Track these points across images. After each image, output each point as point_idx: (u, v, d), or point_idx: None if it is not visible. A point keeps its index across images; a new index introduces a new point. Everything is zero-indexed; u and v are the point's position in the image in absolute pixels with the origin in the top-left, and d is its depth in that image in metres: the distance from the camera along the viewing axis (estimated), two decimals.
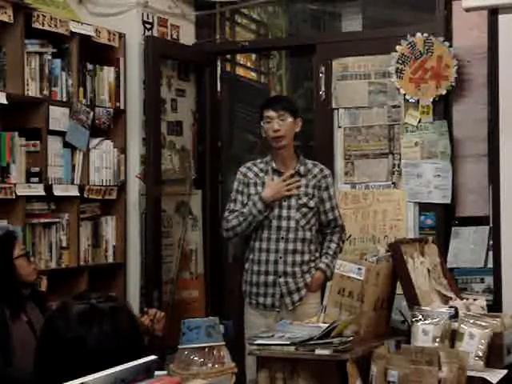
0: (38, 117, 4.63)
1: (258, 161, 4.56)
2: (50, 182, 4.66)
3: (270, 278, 4.39)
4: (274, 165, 4.46)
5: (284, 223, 4.38)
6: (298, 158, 4.49)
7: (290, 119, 4.41)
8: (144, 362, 1.52)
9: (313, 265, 4.43)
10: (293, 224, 4.38)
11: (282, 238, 4.38)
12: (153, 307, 4.18)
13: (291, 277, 4.37)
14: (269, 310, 4.39)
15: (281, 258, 4.38)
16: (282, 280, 4.37)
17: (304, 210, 4.40)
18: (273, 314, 4.38)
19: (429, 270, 3.79)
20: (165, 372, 1.70)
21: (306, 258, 4.40)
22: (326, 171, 4.54)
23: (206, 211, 5.75)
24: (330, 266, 4.34)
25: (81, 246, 4.89)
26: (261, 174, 4.48)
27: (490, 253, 4.76)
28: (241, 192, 4.50)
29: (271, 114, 4.41)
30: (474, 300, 3.79)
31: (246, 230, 4.45)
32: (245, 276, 4.51)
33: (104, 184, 5.06)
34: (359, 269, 3.46)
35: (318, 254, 4.46)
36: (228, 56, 6.32)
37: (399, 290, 3.70)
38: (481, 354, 3.28)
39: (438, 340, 3.30)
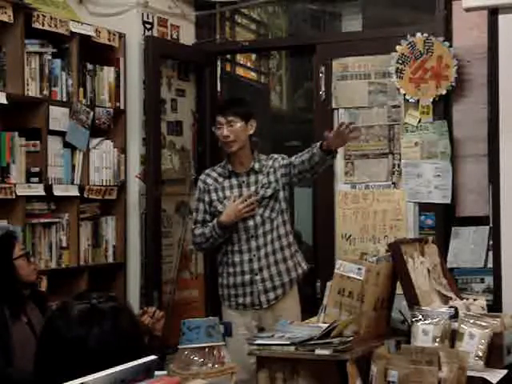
0: (37, 117, 4.63)
1: (217, 166, 4.59)
2: (49, 182, 4.66)
3: (247, 277, 4.41)
4: (229, 167, 4.48)
5: (250, 222, 4.40)
6: (253, 155, 4.50)
7: (239, 124, 4.42)
8: (144, 362, 1.52)
9: (288, 253, 4.41)
10: (258, 220, 4.41)
11: (252, 236, 4.41)
12: (152, 307, 4.18)
13: (267, 270, 4.39)
14: (248, 310, 4.41)
15: (254, 255, 4.41)
16: (258, 277, 4.40)
17: (264, 202, 4.42)
18: (250, 313, 4.40)
19: (429, 270, 3.79)
20: (165, 372, 1.70)
21: (277, 245, 4.42)
22: (276, 155, 4.52)
23: None
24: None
25: (81, 245, 4.90)
26: (220, 179, 4.51)
27: (490, 253, 4.76)
28: (202, 200, 4.52)
29: (220, 119, 4.44)
30: (474, 300, 3.79)
31: (211, 246, 4.52)
32: (220, 280, 4.52)
33: (104, 184, 5.06)
34: (359, 269, 3.46)
35: (287, 239, 4.45)
36: (228, 56, 6.32)
37: (399, 290, 3.70)
38: (481, 354, 3.28)
39: (438, 340, 3.30)
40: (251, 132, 4.48)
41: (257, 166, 4.46)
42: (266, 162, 4.50)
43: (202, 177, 4.58)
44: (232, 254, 4.44)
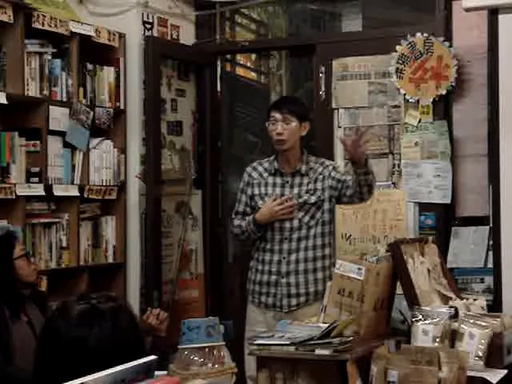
0: (38, 117, 4.63)
1: (264, 160, 4.54)
2: (49, 182, 4.66)
3: (273, 278, 4.38)
4: (276, 165, 4.44)
5: (287, 224, 4.36)
6: (302, 157, 4.44)
7: (294, 123, 4.35)
8: (144, 362, 1.52)
9: (319, 265, 4.38)
10: (296, 223, 4.36)
11: (286, 238, 4.37)
12: (154, 307, 4.20)
13: (294, 276, 4.35)
14: (270, 310, 4.39)
15: (284, 258, 4.37)
16: (284, 281, 4.37)
17: (305, 207, 4.37)
18: (272, 313, 4.38)
19: (429, 270, 3.79)
20: (165, 372, 1.71)
21: (310, 254, 4.36)
22: (327, 162, 4.47)
23: (206, 211, 5.75)
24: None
25: (81, 245, 4.90)
26: (265, 174, 4.46)
27: (490, 253, 4.76)
28: (245, 192, 4.50)
29: (277, 115, 4.36)
30: (474, 300, 3.79)
31: (247, 240, 4.52)
32: (249, 274, 4.51)
33: (104, 184, 5.06)
34: (359, 269, 3.46)
35: (323, 251, 4.41)
36: (228, 56, 6.32)
37: (399, 290, 3.70)
38: (481, 354, 3.28)
39: (438, 340, 3.30)
40: (303, 134, 4.41)
41: (304, 168, 4.40)
42: (315, 165, 4.43)
43: (249, 169, 4.53)
44: (263, 252, 4.40)
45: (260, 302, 4.42)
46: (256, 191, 4.45)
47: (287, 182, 4.41)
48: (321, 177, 4.40)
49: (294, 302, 4.36)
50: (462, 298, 3.83)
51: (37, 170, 4.60)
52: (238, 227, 4.46)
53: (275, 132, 4.35)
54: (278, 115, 4.36)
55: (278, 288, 4.37)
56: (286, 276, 4.36)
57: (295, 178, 4.41)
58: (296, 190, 4.39)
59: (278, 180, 4.43)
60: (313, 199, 4.36)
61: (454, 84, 5.05)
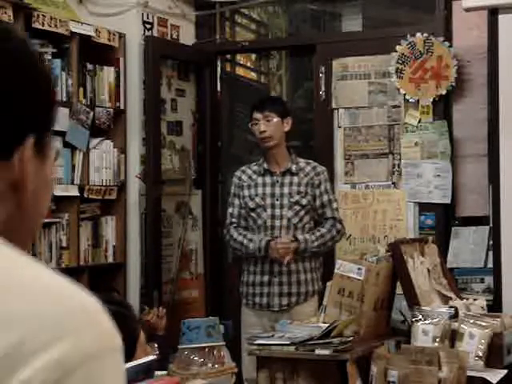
0: None
1: (253, 164, 4.61)
2: None
3: (266, 278, 4.41)
4: (265, 165, 4.48)
5: (277, 222, 4.40)
6: (291, 156, 4.51)
7: (275, 119, 4.43)
8: (144, 362, 1.52)
9: (308, 266, 4.41)
10: (285, 222, 4.40)
11: (276, 236, 4.39)
12: (152, 307, 4.21)
13: (287, 276, 4.38)
14: (264, 310, 4.41)
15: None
16: (276, 279, 4.39)
17: (296, 207, 4.41)
18: (267, 314, 4.39)
19: (429, 270, 3.79)
20: (165, 372, 1.70)
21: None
22: (319, 168, 4.53)
23: (206, 211, 5.75)
24: (307, 241, 4.33)
25: (81, 245, 4.89)
26: (254, 176, 4.51)
27: (490, 253, 4.77)
28: (237, 195, 4.55)
29: (257, 115, 4.46)
30: (474, 300, 3.80)
31: (244, 256, 4.51)
32: (242, 277, 4.54)
33: (104, 184, 5.06)
34: (359, 269, 3.47)
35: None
36: (228, 56, 6.32)
37: (399, 290, 3.70)
38: (481, 354, 3.28)
39: (437, 340, 3.30)
40: (286, 129, 4.48)
41: (294, 167, 4.46)
42: (305, 166, 4.50)
43: (238, 173, 4.59)
44: None
45: (254, 304, 4.43)
46: (246, 193, 4.49)
47: (277, 182, 4.46)
48: (311, 182, 4.46)
49: (285, 301, 4.38)
50: (462, 298, 3.84)
51: None
52: (239, 244, 4.45)
53: (258, 131, 4.44)
54: (258, 115, 4.46)
55: (271, 287, 4.40)
56: (279, 275, 4.39)
57: (285, 177, 4.46)
58: (286, 189, 4.42)
59: (268, 180, 4.47)
60: (304, 201, 4.41)
61: (454, 84, 5.05)
